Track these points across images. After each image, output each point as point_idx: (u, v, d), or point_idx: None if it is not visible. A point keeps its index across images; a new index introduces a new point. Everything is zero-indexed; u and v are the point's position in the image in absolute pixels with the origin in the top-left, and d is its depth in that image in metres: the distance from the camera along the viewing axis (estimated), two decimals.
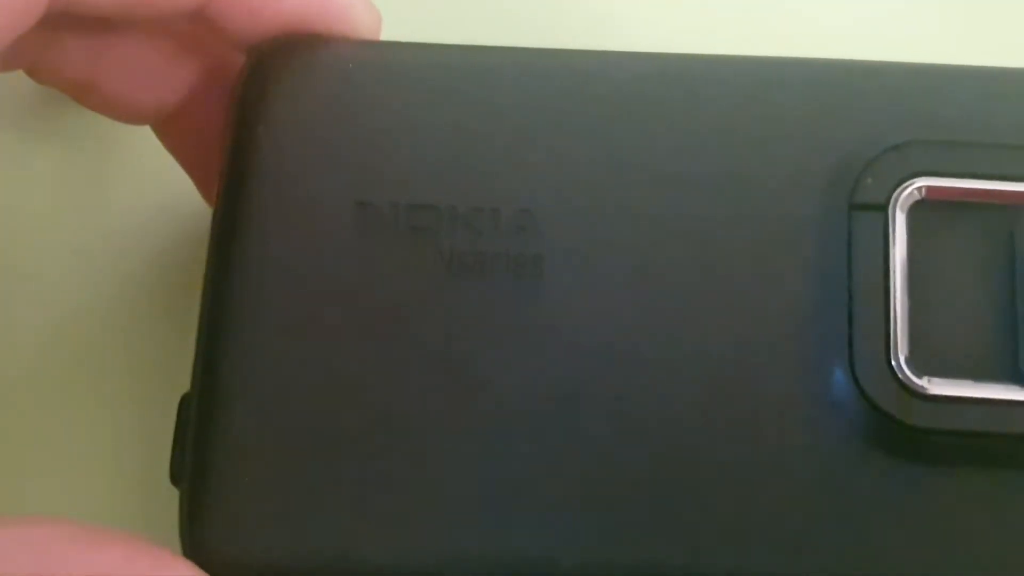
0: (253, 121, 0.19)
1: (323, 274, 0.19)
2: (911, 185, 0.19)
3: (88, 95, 0.22)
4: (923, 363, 0.18)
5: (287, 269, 0.19)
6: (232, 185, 0.19)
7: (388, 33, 0.21)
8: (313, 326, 0.19)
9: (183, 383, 0.19)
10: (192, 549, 0.18)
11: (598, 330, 0.19)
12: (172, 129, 0.23)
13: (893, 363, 0.18)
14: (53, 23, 0.19)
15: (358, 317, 0.19)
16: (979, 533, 0.18)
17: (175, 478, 0.19)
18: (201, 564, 0.17)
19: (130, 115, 0.23)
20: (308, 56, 0.20)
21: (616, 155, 0.19)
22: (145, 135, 0.23)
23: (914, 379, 0.18)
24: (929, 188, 0.19)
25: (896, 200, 0.19)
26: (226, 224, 0.19)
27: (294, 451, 0.18)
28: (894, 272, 0.18)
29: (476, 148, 0.19)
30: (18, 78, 0.21)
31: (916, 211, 0.19)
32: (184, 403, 0.19)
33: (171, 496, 0.19)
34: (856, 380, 0.18)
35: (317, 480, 0.18)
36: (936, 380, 0.18)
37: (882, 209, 0.19)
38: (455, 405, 0.18)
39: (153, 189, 0.25)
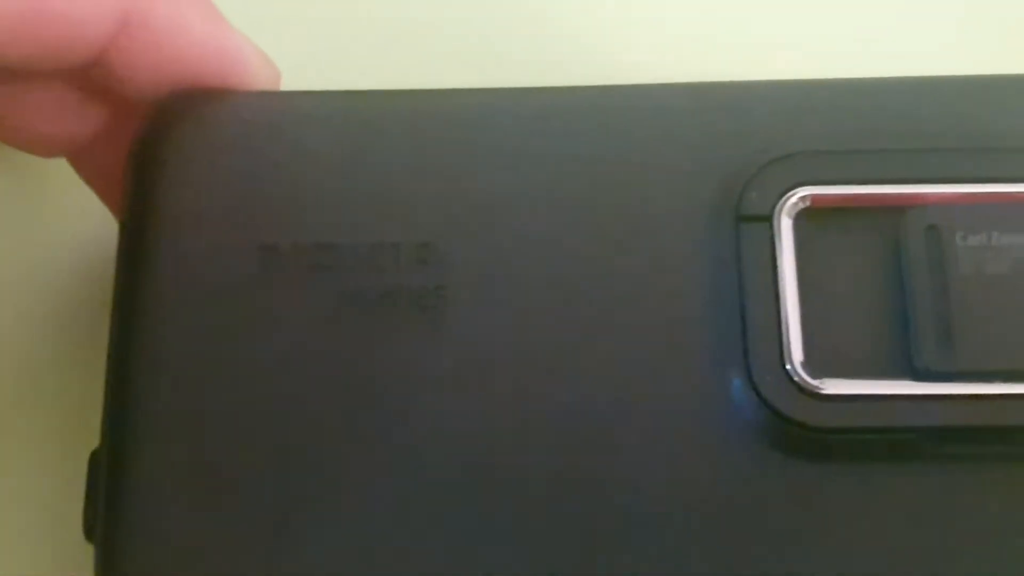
0: (151, 176, 0.20)
1: (228, 319, 0.19)
2: (795, 194, 0.19)
3: None
4: (819, 365, 0.19)
5: (191, 318, 0.19)
6: (133, 238, 0.20)
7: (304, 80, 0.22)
8: (220, 373, 0.19)
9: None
10: None
11: (500, 354, 0.19)
12: (86, 161, 0.23)
13: (788, 367, 0.18)
14: None
15: (265, 361, 0.19)
16: (880, 527, 0.18)
17: (89, 533, 0.19)
18: None
19: (41, 149, 0.23)
20: (204, 109, 0.20)
21: (510, 184, 0.20)
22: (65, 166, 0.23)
23: (809, 381, 0.18)
24: (814, 196, 0.19)
25: (780, 210, 0.19)
26: (127, 279, 0.19)
27: (206, 501, 0.18)
28: (783, 279, 0.19)
29: (373, 186, 0.20)
30: None
31: (803, 219, 0.19)
32: (94, 458, 0.19)
33: (86, 550, 0.19)
34: (754, 386, 0.18)
35: (230, 529, 0.18)
36: (831, 380, 0.18)
37: (767, 220, 0.19)
38: (364, 441, 0.19)
39: (78, 222, 0.25)
